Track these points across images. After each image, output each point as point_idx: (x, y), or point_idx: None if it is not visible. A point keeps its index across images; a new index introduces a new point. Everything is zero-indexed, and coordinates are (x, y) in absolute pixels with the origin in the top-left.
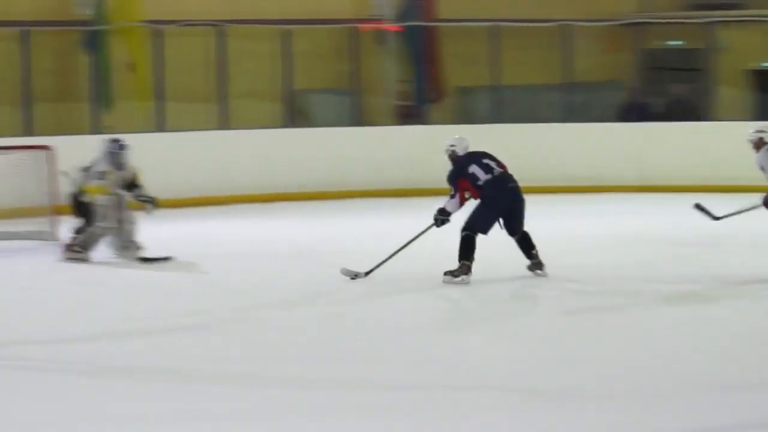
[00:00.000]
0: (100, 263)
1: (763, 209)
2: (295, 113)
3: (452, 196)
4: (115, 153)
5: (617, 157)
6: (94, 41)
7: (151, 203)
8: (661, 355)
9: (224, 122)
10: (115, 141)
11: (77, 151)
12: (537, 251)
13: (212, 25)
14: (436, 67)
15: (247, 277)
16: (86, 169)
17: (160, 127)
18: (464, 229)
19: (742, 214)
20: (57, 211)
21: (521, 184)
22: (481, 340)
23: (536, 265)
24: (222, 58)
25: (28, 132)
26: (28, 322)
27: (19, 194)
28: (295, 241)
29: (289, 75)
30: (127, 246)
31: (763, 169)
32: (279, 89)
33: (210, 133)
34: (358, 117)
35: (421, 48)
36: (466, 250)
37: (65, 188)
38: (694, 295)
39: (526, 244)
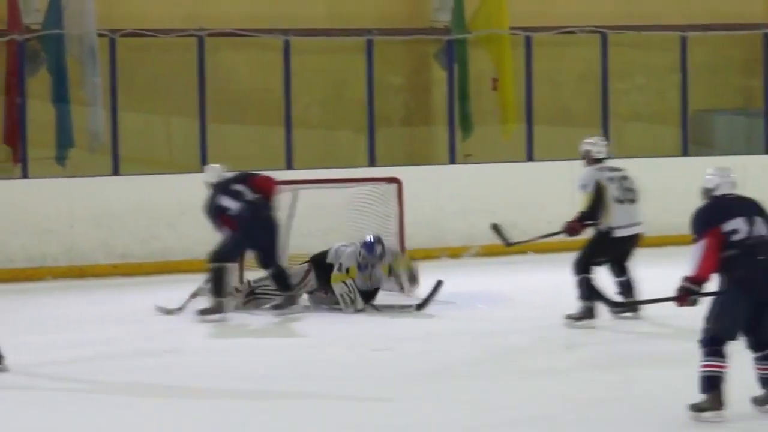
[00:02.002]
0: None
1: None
2: (695, 139)
3: None
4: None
5: None
6: (452, 53)
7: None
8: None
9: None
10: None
11: (430, 185)
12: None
13: (594, 31)
14: None
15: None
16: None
17: (530, 155)
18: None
19: (539, 240)
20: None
21: None
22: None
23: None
24: (605, 72)
25: (371, 161)
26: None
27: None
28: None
29: (688, 92)
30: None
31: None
32: (675, 110)
33: None
34: None
35: None
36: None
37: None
38: None
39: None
